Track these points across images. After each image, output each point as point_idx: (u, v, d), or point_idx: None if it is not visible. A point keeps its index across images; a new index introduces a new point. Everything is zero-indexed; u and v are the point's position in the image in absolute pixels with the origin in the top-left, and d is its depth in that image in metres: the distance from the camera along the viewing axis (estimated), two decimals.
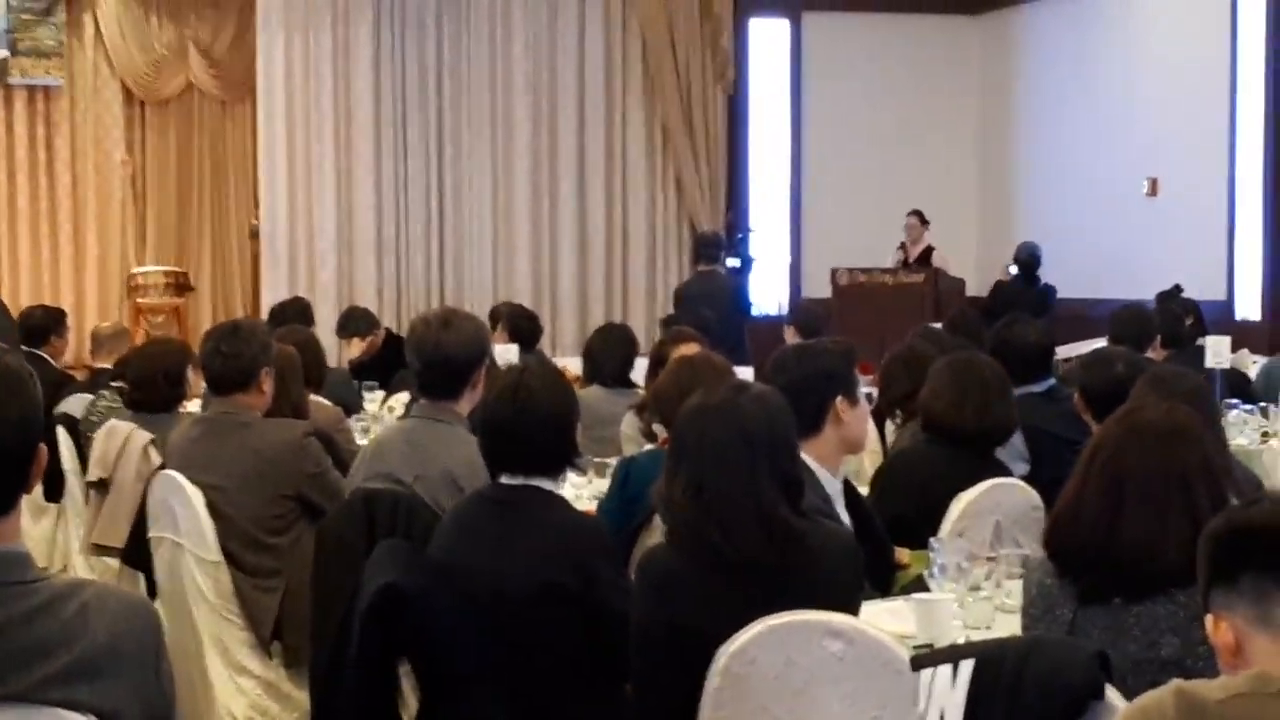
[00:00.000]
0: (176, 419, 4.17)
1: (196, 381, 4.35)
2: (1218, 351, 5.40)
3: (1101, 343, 5.44)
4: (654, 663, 2.38)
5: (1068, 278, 9.46)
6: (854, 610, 2.36)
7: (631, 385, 4.87)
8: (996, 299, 9.03)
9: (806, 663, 2.21)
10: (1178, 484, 2.10)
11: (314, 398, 4.27)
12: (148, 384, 4.33)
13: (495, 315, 6.53)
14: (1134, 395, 3.01)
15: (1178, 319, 6.21)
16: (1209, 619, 1.55)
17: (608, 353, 4.88)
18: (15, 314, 7.02)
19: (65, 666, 1.51)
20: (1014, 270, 9.34)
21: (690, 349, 4.15)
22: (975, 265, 9.94)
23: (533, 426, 2.68)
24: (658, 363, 4.28)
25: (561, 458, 2.71)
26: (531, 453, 2.69)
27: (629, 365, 4.94)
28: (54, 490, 5.08)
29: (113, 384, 4.91)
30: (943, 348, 4.30)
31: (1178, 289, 7.63)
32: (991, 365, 3.60)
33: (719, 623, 2.24)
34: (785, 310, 10.28)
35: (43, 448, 1.59)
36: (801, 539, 2.36)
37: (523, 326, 6.31)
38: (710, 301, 7.30)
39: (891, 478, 3.47)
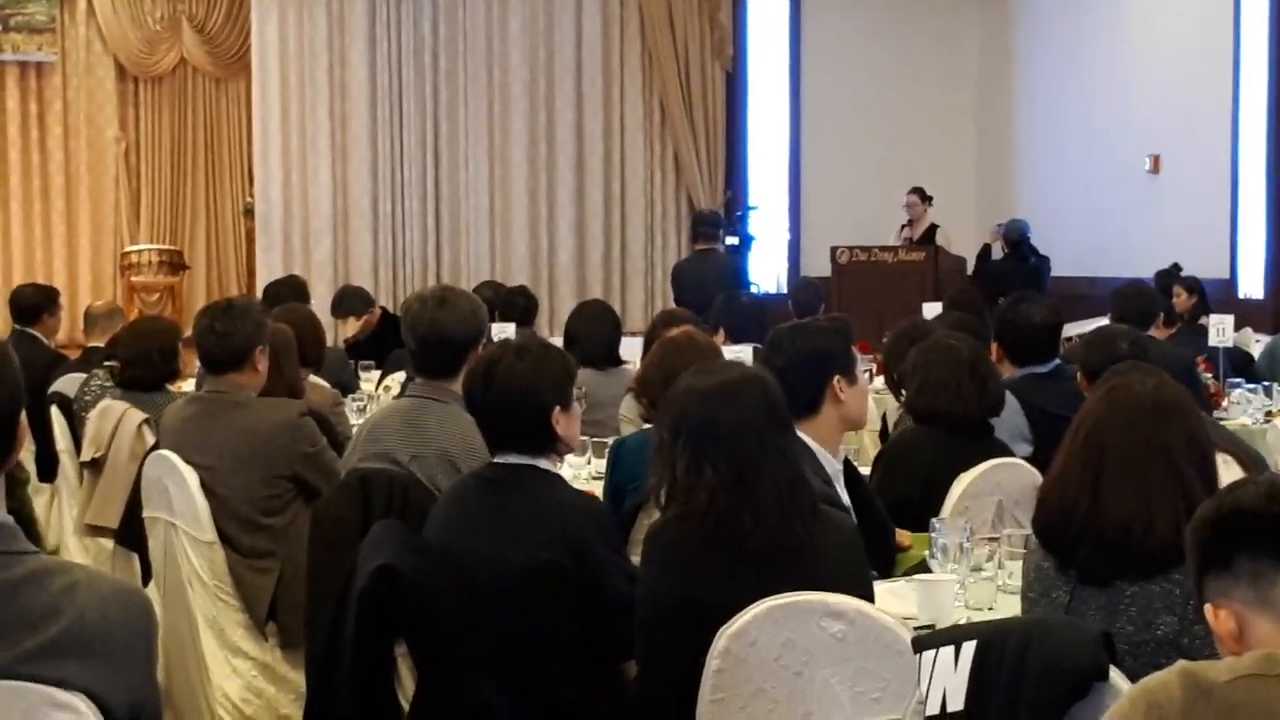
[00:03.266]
0: (169, 398, 4.14)
1: (190, 360, 4.32)
2: (1221, 330, 5.39)
3: (1103, 321, 5.41)
4: (659, 637, 2.33)
5: (1068, 256, 9.40)
6: (867, 593, 2.32)
7: (621, 362, 4.74)
8: (983, 279, 8.85)
9: (806, 644, 2.19)
10: (1160, 457, 2.08)
11: (311, 378, 4.24)
12: (140, 362, 4.30)
13: (489, 302, 6.39)
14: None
15: (1170, 297, 6.20)
16: (1207, 609, 1.52)
17: (589, 334, 4.70)
18: (7, 293, 6.96)
19: (53, 639, 1.48)
20: (1000, 241, 9.22)
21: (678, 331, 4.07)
22: (974, 243, 9.89)
23: (503, 405, 2.62)
24: (651, 345, 4.21)
25: (542, 438, 2.63)
26: (508, 432, 2.63)
27: (615, 343, 4.78)
28: (47, 470, 5.05)
29: (105, 363, 4.88)
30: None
31: (1176, 268, 7.60)
32: (967, 342, 3.55)
33: (729, 598, 2.20)
34: (785, 289, 10.24)
35: (24, 420, 1.57)
36: (822, 519, 2.31)
37: (516, 304, 6.23)
38: (708, 280, 7.24)
39: (893, 460, 3.44)
